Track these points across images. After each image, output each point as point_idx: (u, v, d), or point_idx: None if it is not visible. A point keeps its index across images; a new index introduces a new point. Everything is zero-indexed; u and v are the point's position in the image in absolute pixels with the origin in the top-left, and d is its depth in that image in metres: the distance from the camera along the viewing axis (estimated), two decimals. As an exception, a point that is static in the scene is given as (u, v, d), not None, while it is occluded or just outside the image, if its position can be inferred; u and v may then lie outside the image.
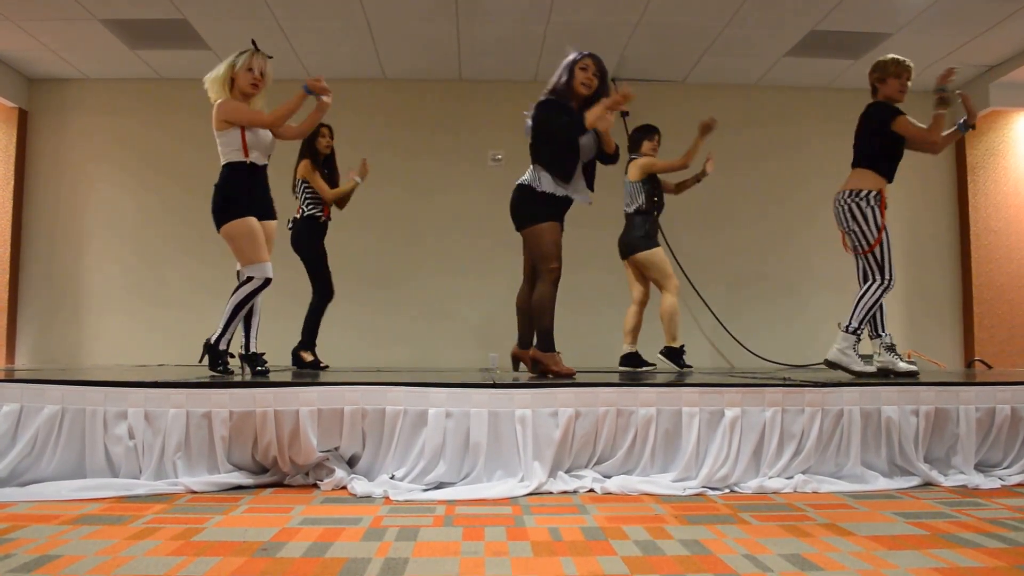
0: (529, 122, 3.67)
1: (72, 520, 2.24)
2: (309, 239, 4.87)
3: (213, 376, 3.35)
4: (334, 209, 5.04)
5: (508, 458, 2.83)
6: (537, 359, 3.65)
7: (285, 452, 2.80)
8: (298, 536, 2.08)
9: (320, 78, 3.66)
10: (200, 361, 3.57)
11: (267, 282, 3.55)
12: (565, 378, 3.46)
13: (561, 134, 3.55)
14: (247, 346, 3.72)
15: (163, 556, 1.87)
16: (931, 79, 6.79)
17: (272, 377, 3.39)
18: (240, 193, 3.52)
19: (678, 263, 6.70)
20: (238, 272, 3.64)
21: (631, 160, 5.11)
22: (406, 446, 2.84)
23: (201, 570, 1.76)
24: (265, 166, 3.67)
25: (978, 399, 3.08)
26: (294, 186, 4.98)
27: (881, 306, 3.89)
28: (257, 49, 3.66)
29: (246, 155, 3.53)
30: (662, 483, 2.78)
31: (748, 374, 4.26)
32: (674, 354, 5.02)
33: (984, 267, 6.94)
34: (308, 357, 4.87)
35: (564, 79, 3.63)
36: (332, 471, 2.78)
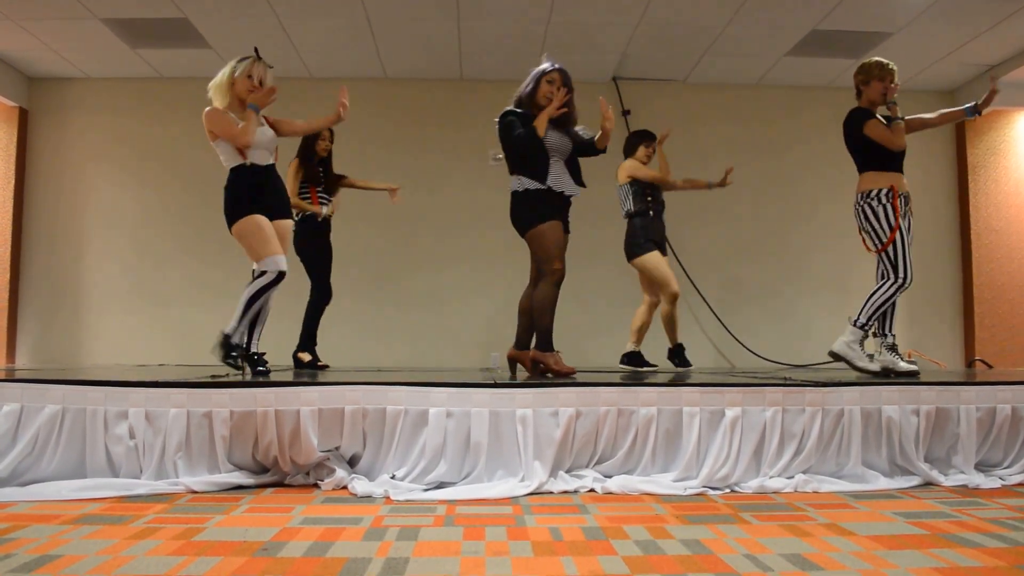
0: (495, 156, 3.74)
1: (73, 520, 2.25)
2: (305, 238, 4.86)
3: (214, 375, 3.35)
4: (335, 208, 5.05)
5: (509, 458, 2.83)
6: (537, 359, 3.66)
7: (286, 452, 2.80)
8: (299, 536, 2.08)
9: (344, 103, 3.68)
10: (213, 351, 3.58)
11: (281, 275, 3.57)
12: (566, 377, 3.47)
13: (519, 145, 3.64)
14: (248, 345, 3.71)
15: (164, 556, 1.87)
16: (932, 78, 6.84)
17: (273, 377, 3.39)
18: (243, 193, 3.55)
19: (679, 261, 6.70)
20: (253, 271, 3.65)
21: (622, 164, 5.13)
22: (407, 446, 2.84)
23: (202, 570, 1.76)
24: (271, 165, 3.69)
25: (979, 399, 3.08)
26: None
27: (893, 305, 3.87)
28: (259, 57, 3.66)
29: (244, 159, 3.57)
30: (663, 483, 2.78)
31: (749, 374, 4.26)
32: (674, 353, 5.08)
33: (985, 266, 6.93)
34: (306, 358, 4.87)
35: (529, 89, 3.73)
36: (333, 471, 2.78)
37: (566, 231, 3.74)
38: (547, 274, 3.62)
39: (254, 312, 3.59)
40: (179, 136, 6.82)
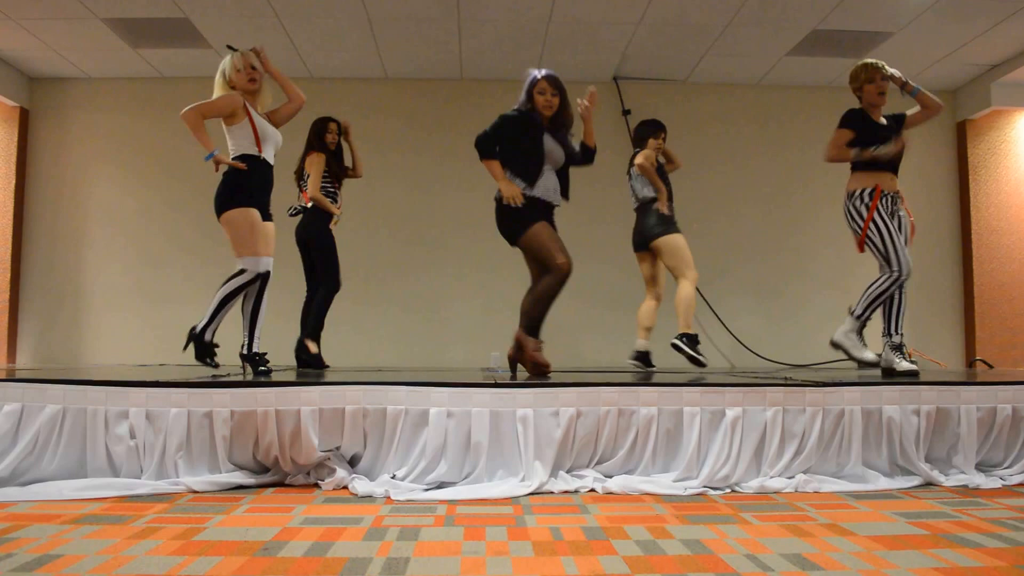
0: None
1: (73, 520, 2.25)
2: (321, 225, 4.82)
3: (214, 375, 3.36)
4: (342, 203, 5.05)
5: (509, 458, 2.83)
6: (520, 340, 3.69)
7: (286, 452, 2.80)
8: (299, 536, 2.08)
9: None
10: (184, 349, 3.56)
11: (258, 277, 3.55)
12: (539, 370, 3.55)
13: (476, 144, 3.70)
14: (249, 345, 3.71)
15: (164, 556, 1.88)
16: (933, 78, 6.84)
17: (273, 376, 3.39)
18: (247, 185, 3.53)
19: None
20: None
21: (636, 153, 5.05)
22: (407, 446, 2.84)
23: (202, 570, 1.76)
24: (272, 167, 3.71)
25: (979, 399, 3.08)
26: (299, 174, 4.95)
27: (899, 305, 3.87)
28: (235, 49, 3.69)
29: (259, 151, 3.57)
30: (663, 483, 2.78)
31: (749, 373, 4.26)
32: (691, 339, 4.85)
33: (986, 266, 6.93)
34: (314, 348, 4.80)
35: (525, 102, 3.79)
36: (333, 471, 2.78)
37: (553, 228, 3.76)
38: (554, 270, 3.63)
39: (228, 310, 3.57)
40: (180, 136, 6.77)
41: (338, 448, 2.87)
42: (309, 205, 4.85)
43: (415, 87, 7.01)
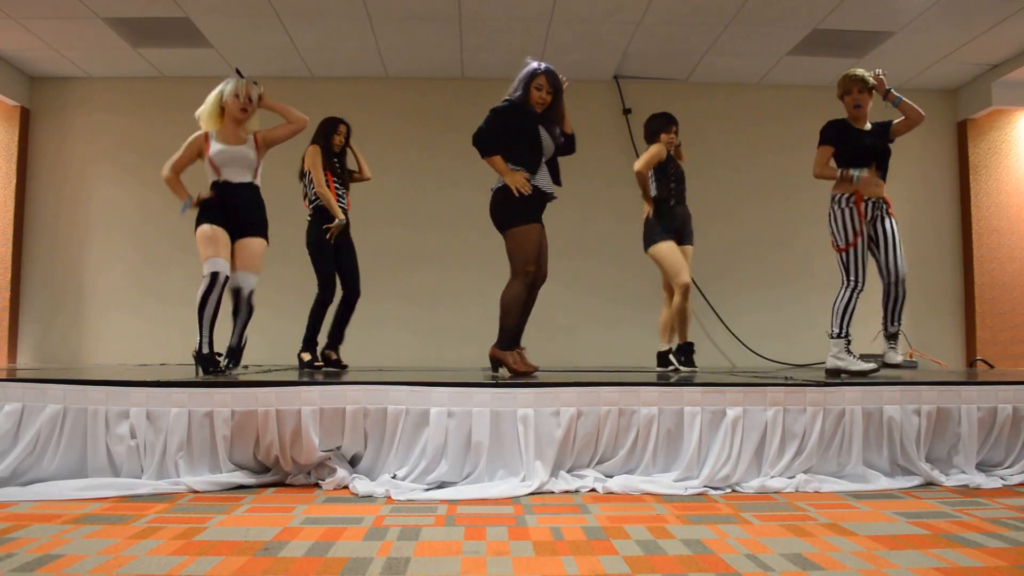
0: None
1: (74, 520, 2.25)
2: (315, 228, 4.74)
3: (214, 377, 3.38)
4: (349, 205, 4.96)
5: (510, 458, 2.83)
6: (495, 357, 3.69)
7: (287, 451, 2.80)
8: (300, 536, 2.08)
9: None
10: (199, 375, 3.58)
11: (214, 277, 3.61)
12: (526, 376, 3.53)
13: (475, 140, 3.72)
14: (211, 344, 3.70)
15: (165, 556, 1.88)
16: (934, 78, 6.84)
17: (274, 377, 3.39)
18: (207, 207, 3.72)
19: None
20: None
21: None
22: (408, 446, 2.84)
23: (203, 570, 1.76)
24: (247, 184, 3.78)
25: (980, 399, 3.08)
26: (301, 175, 4.86)
27: (891, 300, 3.95)
28: (242, 76, 3.80)
29: (217, 175, 3.76)
30: (664, 483, 2.78)
31: (750, 373, 4.26)
32: (688, 350, 4.75)
33: (986, 266, 6.93)
34: (307, 356, 4.78)
35: (520, 94, 3.76)
36: (334, 470, 2.78)
37: (543, 232, 3.78)
38: (520, 274, 3.65)
39: (208, 318, 3.63)
40: (180, 135, 6.75)
41: (339, 448, 2.88)
42: (309, 214, 4.77)
43: (416, 86, 7.01)
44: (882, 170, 3.99)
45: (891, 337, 3.90)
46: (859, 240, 3.87)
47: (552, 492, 2.71)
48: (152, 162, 6.91)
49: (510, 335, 3.69)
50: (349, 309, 4.91)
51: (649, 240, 4.75)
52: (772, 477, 2.85)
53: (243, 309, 3.77)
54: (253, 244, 3.77)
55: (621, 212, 6.57)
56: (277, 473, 2.86)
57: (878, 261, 3.94)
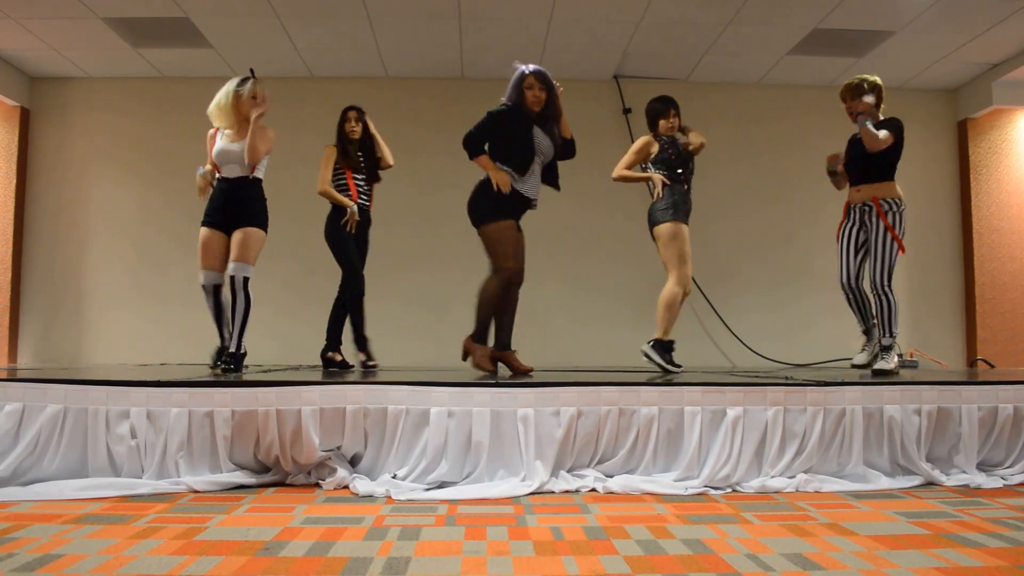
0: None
1: (74, 519, 2.25)
2: (331, 223, 4.70)
3: (215, 375, 3.40)
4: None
5: (510, 457, 2.83)
6: (467, 348, 3.83)
7: (287, 451, 2.80)
8: (300, 535, 2.08)
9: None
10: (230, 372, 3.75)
11: (203, 288, 3.85)
12: (490, 373, 3.65)
13: (465, 143, 3.85)
14: (221, 340, 3.95)
15: (165, 555, 1.88)
16: (934, 77, 6.83)
17: (274, 376, 3.39)
18: (207, 209, 3.89)
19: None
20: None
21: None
22: (408, 445, 2.84)
23: (203, 569, 1.76)
24: (240, 178, 3.83)
25: (980, 398, 3.08)
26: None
27: (877, 308, 4.11)
28: (255, 77, 3.91)
29: (218, 172, 3.88)
30: (664, 482, 2.78)
31: (750, 373, 4.26)
32: (662, 347, 4.29)
33: (987, 266, 6.93)
34: (336, 357, 4.71)
35: (515, 95, 3.82)
36: (334, 470, 2.78)
37: (518, 231, 3.84)
38: (499, 271, 3.73)
39: (216, 321, 3.91)
40: (181, 135, 6.81)
41: (339, 448, 2.87)
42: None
43: (416, 86, 7.00)
44: (862, 175, 4.09)
45: (885, 349, 4.01)
46: (838, 243, 4.21)
47: (552, 492, 2.71)
48: (152, 162, 6.95)
49: (482, 328, 3.80)
50: (350, 307, 4.83)
51: (659, 217, 4.38)
52: (772, 477, 2.85)
53: (237, 300, 3.80)
54: (242, 234, 3.81)
55: (621, 212, 6.56)
56: (277, 473, 2.86)
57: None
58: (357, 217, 4.66)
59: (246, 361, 3.94)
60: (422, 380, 2.98)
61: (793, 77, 6.97)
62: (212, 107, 3.84)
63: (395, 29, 6.05)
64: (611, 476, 2.83)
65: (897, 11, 5.67)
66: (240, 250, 3.78)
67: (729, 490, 2.80)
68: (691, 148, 4.51)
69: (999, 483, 2.93)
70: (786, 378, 3.41)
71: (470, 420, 2.83)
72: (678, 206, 4.38)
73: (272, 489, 2.77)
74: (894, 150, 4.05)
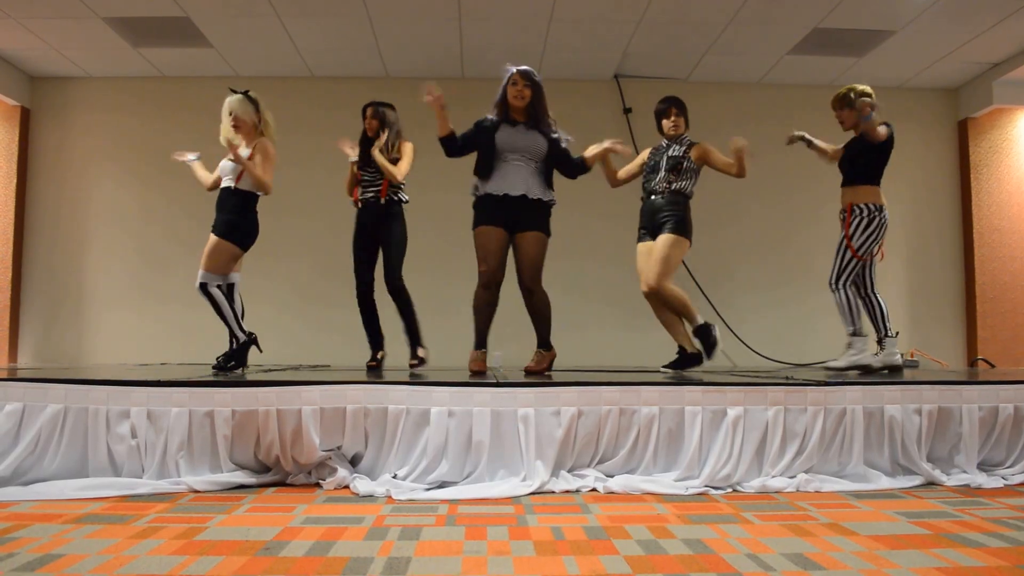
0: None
1: (75, 519, 2.25)
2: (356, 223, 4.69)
3: (216, 374, 3.41)
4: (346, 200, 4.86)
5: (510, 457, 2.83)
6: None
7: (287, 451, 2.80)
8: (300, 535, 2.08)
9: None
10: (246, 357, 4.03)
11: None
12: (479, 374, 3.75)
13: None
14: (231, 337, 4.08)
15: (165, 555, 1.88)
16: (935, 76, 6.83)
17: (274, 376, 3.39)
18: None
19: (682, 261, 6.70)
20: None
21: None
22: (408, 445, 2.84)
23: (203, 569, 1.76)
24: (226, 188, 4.02)
25: (981, 398, 3.07)
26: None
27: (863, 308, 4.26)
28: (234, 92, 4.07)
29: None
30: (665, 482, 2.77)
31: (750, 373, 4.26)
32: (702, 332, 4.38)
33: (987, 265, 6.92)
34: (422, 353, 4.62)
35: (500, 96, 3.98)
36: (334, 470, 2.78)
37: (510, 229, 3.90)
38: (479, 275, 3.91)
39: (228, 317, 4.05)
40: (181, 135, 6.81)
41: (339, 448, 2.87)
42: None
43: (416, 86, 6.95)
44: (847, 179, 4.23)
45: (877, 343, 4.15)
46: None
47: (553, 492, 2.71)
48: (152, 162, 6.94)
49: (477, 333, 4.00)
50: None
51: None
52: (773, 477, 2.85)
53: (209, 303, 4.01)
54: (208, 242, 4.00)
55: (621, 212, 6.56)
56: (278, 473, 2.86)
57: None
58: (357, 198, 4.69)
59: (248, 361, 4.01)
60: (422, 380, 2.98)
61: (793, 77, 6.97)
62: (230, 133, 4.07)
63: (395, 29, 6.04)
64: (611, 476, 2.83)
65: (897, 10, 5.67)
66: (203, 257, 3.98)
67: (730, 490, 2.80)
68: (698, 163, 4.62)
69: (1000, 483, 2.93)
70: (787, 378, 3.41)
71: (471, 420, 2.83)
72: (640, 224, 4.58)
73: (272, 489, 2.77)
74: (881, 154, 4.10)
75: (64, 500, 2.52)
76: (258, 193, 4.05)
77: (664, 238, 4.34)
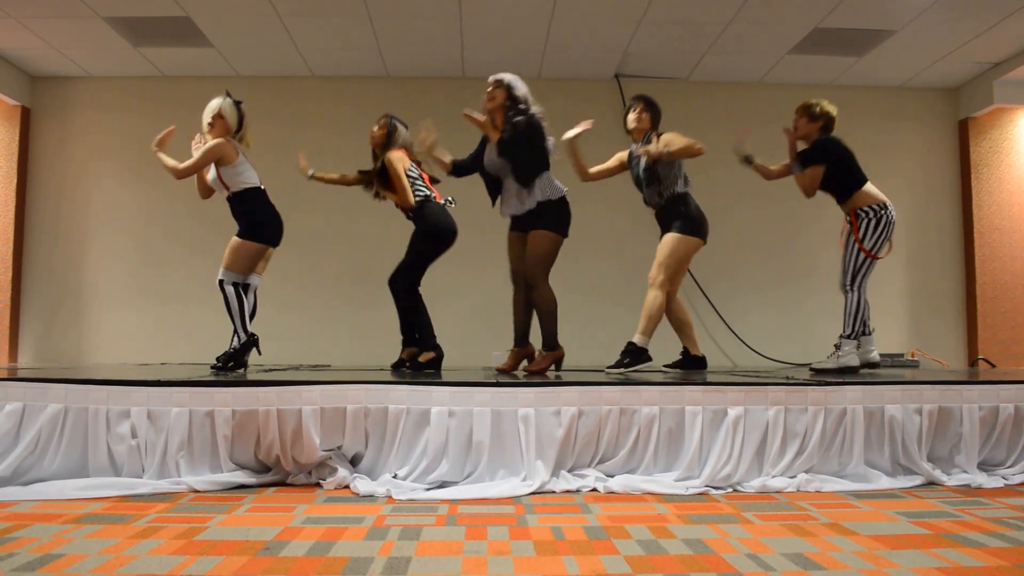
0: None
1: (75, 519, 2.25)
2: None
3: (216, 374, 3.42)
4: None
5: (511, 457, 2.83)
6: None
7: (288, 451, 2.80)
8: (301, 535, 2.08)
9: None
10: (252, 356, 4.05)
11: None
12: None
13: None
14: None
15: (166, 555, 1.88)
16: (935, 76, 6.82)
17: (275, 376, 3.39)
18: None
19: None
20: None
21: None
22: (409, 445, 2.84)
23: (203, 569, 1.76)
24: (229, 197, 4.09)
25: (981, 398, 3.07)
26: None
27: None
28: (229, 97, 4.21)
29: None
30: (665, 482, 2.77)
31: (751, 373, 4.26)
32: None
33: (988, 265, 6.92)
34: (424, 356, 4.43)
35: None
36: (335, 470, 2.78)
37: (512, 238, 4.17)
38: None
39: (241, 316, 4.07)
40: (181, 135, 6.79)
41: (339, 447, 2.87)
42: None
43: (416, 85, 7.00)
44: (834, 197, 4.29)
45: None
46: None
47: (553, 492, 2.71)
48: (153, 161, 6.88)
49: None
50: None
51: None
52: (773, 477, 2.85)
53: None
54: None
55: (621, 212, 6.56)
56: (278, 473, 2.86)
57: None
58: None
59: (250, 360, 4.01)
60: (423, 380, 2.98)
61: (794, 76, 6.96)
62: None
63: (396, 28, 6.04)
64: (612, 476, 2.83)
65: (898, 10, 5.66)
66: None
67: (730, 490, 2.80)
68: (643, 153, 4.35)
69: (1000, 483, 2.93)
70: (787, 378, 3.41)
71: (471, 420, 2.83)
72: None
73: (273, 489, 2.77)
74: (838, 169, 4.12)
75: (64, 500, 2.52)
76: (255, 187, 4.03)
77: (668, 237, 4.36)
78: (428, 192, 4.47)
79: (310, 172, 4.79)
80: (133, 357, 6.68)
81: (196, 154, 4.03)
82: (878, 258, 4.10)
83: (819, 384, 3.03)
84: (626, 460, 2.89)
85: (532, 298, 3.98)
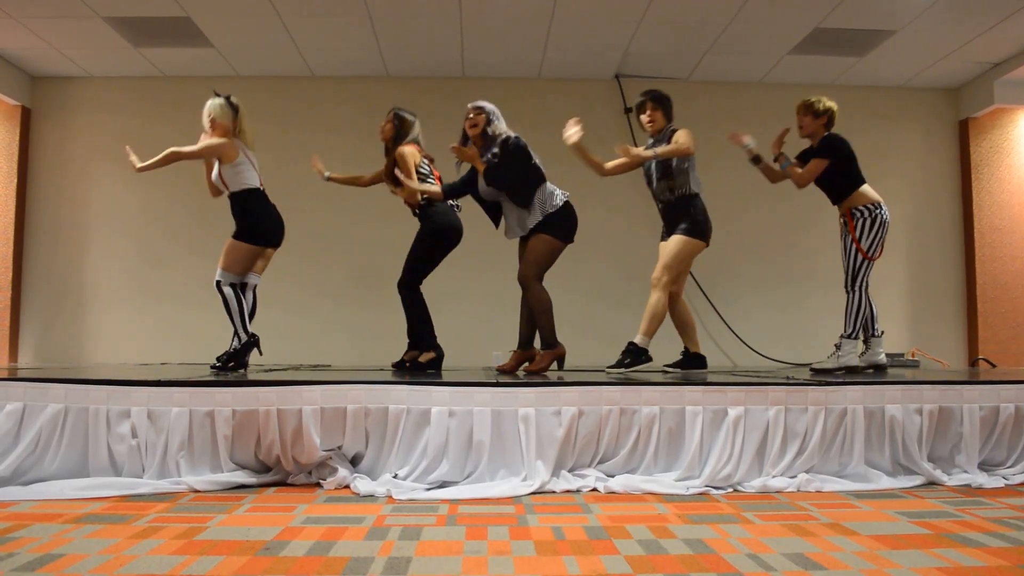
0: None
1: (75, 519, 2.25)
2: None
3: (217, 374, 3.42)
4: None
5: (511, 457, 2.83)
6: None
7: (288, 451, 2.80)
8: (301, 535, 2.08)
9: None
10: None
11: None
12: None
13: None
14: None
15: (166, 555, 1.88)
16: (936, 76, 6.82)
17: (275, 376, 3.39)
18: None
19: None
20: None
21: None
22: (409, 445, 2.84)
23: (204, 569, 1.76)
24: (230, 195, 4.12)
25: (982, 398, 3.07)
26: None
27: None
28: (218, 96, 4.16)
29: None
30: (665, 482, 2.77)
31: (751, 373, 4.26)
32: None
33: (988, 265, 6.92)
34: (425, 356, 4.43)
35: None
36: (335, 470, 2.78)
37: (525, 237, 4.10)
38: None
39: (241, 316, 4.09)
40: (182, 135, 6.77)
41: (340, 447, 2.87)
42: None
43: (417, 85, 6.99)
44: (831, 197, 4.32)
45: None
46: None
47: (553, 492, 2.71)
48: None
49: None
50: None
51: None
52: (774, 477, 2.85)
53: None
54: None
55: (619, 214, 6.57)
56: (278, 473, 2.86)
57: None
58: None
59: (250, 360, 4.02)
60: (423, 380, 2.98)
61: (794, 76, 6.96)
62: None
63: (396, 28, 6.04)
64: (612, 476, 2.83)
65: (898, 10, 5.66)
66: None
67: (730, 490, 2.80)
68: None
69: (1000, 483, 2.93)
70: (787, 378, 3.41)
71: (471, 420, 2.83)
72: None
73: (273, 489, 2.77)
74: (839, 168, 4.14)
75: (64, 500, 2.52)
76: (254, 188, 4.05)
77: (674, 239, 4.31)
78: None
79: (327, 174, 4.78)
80: (133, 357, 6.67)
81: (197, 145, 4.06)
82: (874, 259, 4.12)
83: (819, 384, 3.02)
84: (626, 460, 2.89)
85: (526, 299, 3.98)
